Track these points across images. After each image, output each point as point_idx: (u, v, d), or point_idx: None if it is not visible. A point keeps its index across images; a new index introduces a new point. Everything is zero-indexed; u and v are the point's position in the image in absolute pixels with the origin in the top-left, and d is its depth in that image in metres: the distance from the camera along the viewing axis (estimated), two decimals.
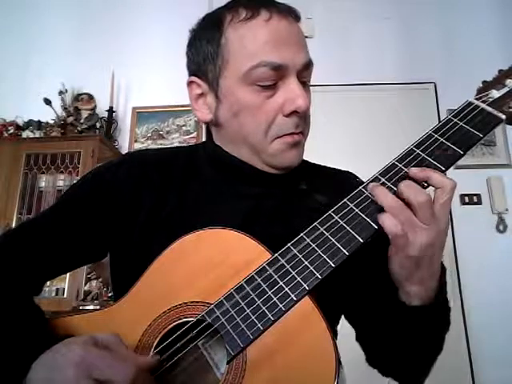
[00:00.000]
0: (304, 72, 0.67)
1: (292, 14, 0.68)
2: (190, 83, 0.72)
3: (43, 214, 0.73)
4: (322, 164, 0.83)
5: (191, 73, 0.72)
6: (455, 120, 0.60)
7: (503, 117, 0.60)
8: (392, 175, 0.57)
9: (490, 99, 0.62)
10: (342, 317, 0.74)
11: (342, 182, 0.76)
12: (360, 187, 0.58)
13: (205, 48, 0.68)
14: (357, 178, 0.79)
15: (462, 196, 2.59)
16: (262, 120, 0.65)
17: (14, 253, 0.65)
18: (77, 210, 0.69)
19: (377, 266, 0.61)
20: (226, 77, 0.66)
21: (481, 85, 0.66)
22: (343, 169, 0.82)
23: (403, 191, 0.53)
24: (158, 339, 0.55)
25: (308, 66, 0.67)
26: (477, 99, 0.62)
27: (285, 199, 0.70)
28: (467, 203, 2.59)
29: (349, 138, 2.64)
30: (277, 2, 0.68)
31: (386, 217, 0.53)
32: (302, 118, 0.67)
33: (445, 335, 0.64)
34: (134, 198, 0.69)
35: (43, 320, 0.59)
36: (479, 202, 2.59)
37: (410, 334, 0.60)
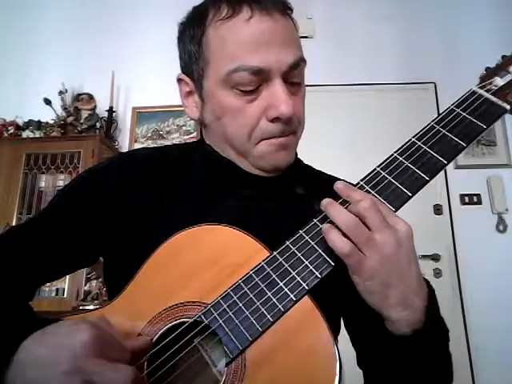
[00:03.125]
0: (292, 72, 0.62)
1: (279, 8, 0.62)
2: (179, 80, 0.70)
3: (33, 219, 0.71)
4: (321, 166, 0.80)
5: (181, 69, 0.70)
6: (458, 110, 0.59)
7: (508, 107, 0.58)
8: (393, 169, 0.56)
9: (494, 87, 0.60)
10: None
11: None
12: (360, 182, 0.57)
13: (189, 46, 0.66)
14: None
15: (462, 196, 2.59)
16: (244, 124, 0.63)
17: (2, 259, 0.63)
18: (66, 215, 0.67)
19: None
20: (208, 78, 0.64)
21: (484, 72, 0.63)
22: (344, 178, 0.78)
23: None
24: (154, 340, 0.53)
25: (296, 65, 0.62)
26: (480, 88, 0.60)
27: (280, 202, 0.68)
28: (467, 203, 2.59)
29: (348, 139, 2.64)
30: None
31: (334, 236, 0.50)
32: (289, 123, 0.63)
33: (448, 369, 0.58)
34: (125, 200, 0.67)
35: (32, 312, 0.57)
36: (479, 202, 2.59)
37: (406, 368, 0.54)
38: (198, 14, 0.66)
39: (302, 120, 0.67)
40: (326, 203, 0.53)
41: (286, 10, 0.64)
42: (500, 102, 0.59)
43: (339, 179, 0.77)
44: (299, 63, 0.63)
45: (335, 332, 0.66)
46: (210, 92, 0.64)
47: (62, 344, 0.44)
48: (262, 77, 0.61)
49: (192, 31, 0.65)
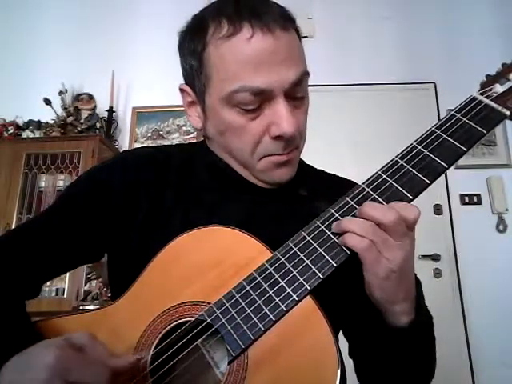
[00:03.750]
0: (294, 89, 0.62)
1: (280, 24, 0.60)
2: (181, 90, 0.70)
3: (38, 216, 0.72)
4: (321, 166, 0.81)
5: (183, 77, 0.70)
6: (458, 116, 0.59)
7: (507, 113, 0.59)
8: (394, 172, 0.57)
9: (494, 94, 0.61)
10: None
11: (344, 190, 0.73)
12: (362, 185, 0.58)
13: (189, 60, 0.65)
14: None
15: (462, 196, 2.60)
16: (247, 141, 0.63)
17: (9, 255, 0.64)
18: (72, 211, 0.68)
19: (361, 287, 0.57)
20: (210, 95, 0.64)
21: (484, 79, 0.65)
22: (344, 177, 0.79)
23: (368, 214, 0.52)
24: (157, 339, 0.54)
25: (299, 81, 0.62)
26: (480, 94, 0.61)
27: (283, 205, 0.69)
28: (467, 203, 2.59)
29: (349, 139, 2.65)
30: (263, 11, 0.61)
31: (347, 236, 0.52)
32: (292, 140, 0.63)
33: (435, 353, 0.63)
34: (130, 198, 0.68)
35: (23, 323, 0.57)
36: (479, 202, 2.59)
37: (402, 356, 0.58)
38: (198, 27, 0.65)
39: (304, 134, 0.68)
40: (337, 223, 0.55)
41: (289, 23, 0.63)
42: (500, 108, 0.59)
43: (340, 177, 0.79)
44: (302, 79, 0.62)
45: (336, 330, 0.67)
46: (213, 108, 0.64)
47: (26, 370, 0.46)
48: (264, 96, 0.60)
49: (192, 45, 0.64)
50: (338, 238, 0.54)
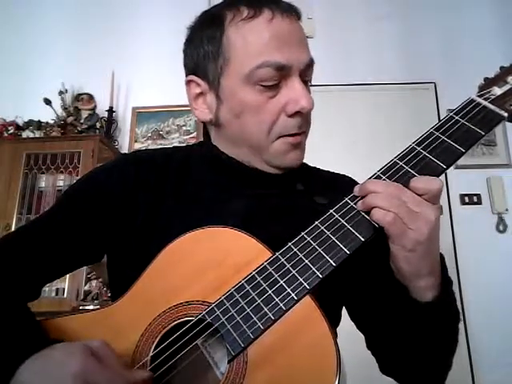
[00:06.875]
0: (307, 71, 0.67)
1: (293, 13, 0.67)
2: (188, 82, 0.71)
3: (38, 218, 0.72)
4: (322, 166, 0.83)
5: (189, 71, 0.71)
6: (457, 117, 0.60)
7: (505, 114, 0.60)
8: (393, 173, 0.57)
9: (492, 96, 0.62)
10: (348, 321, 0.73)
11: (340, 185, 0.74)
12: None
13: (205, 46, 0.67)
14: (355, 182, 0.76)
15: (462, 196, 2.59)
16: (264, 120, 0.65)
17: (9, 258, 0.64)
18: (72, 213, 0.68)
19: (382, 267, 0.59)
20: (228, 76, 0.65)
21: (482, 81, 0.66)
22: (341, 172, 0.81)
23: (369, 189, 0.54)
24: (157, 339, 0.54)
25: (310, 64, 0.67)
26: (479, 96, 0.62)
27: (282, 200, 0.70)
28: (467, 203, 2.59)
29: (349, 139, 2.64)
30: (278, 1, 0.67)
31: (374, 211, 0.53)
32: (305, 118, 0.67)
33: (458, 325, 0.64)
34: (130, 199, 0.68)
35: (33, 323, 0.57)
36: (479, 202, 2.59)
37: (427, 332, 0.59)
38: (213, 17, 0.68)
39: (310, 119, 0.70)
40: (360, 186, 0.56)
41: (298, 16, 0.69)
42: (498, 110, 0.60)
43: (335, 173, 0.81)
44: (312, 63, 0.68)
45: (335, 326, 0.68)
46: (230, 90, 0.66)
47: (50, 374, 0.46)
48: (283, 73, 0.64)
49: (209, 32, 0.67)
50: (337, 236, 0.55)
